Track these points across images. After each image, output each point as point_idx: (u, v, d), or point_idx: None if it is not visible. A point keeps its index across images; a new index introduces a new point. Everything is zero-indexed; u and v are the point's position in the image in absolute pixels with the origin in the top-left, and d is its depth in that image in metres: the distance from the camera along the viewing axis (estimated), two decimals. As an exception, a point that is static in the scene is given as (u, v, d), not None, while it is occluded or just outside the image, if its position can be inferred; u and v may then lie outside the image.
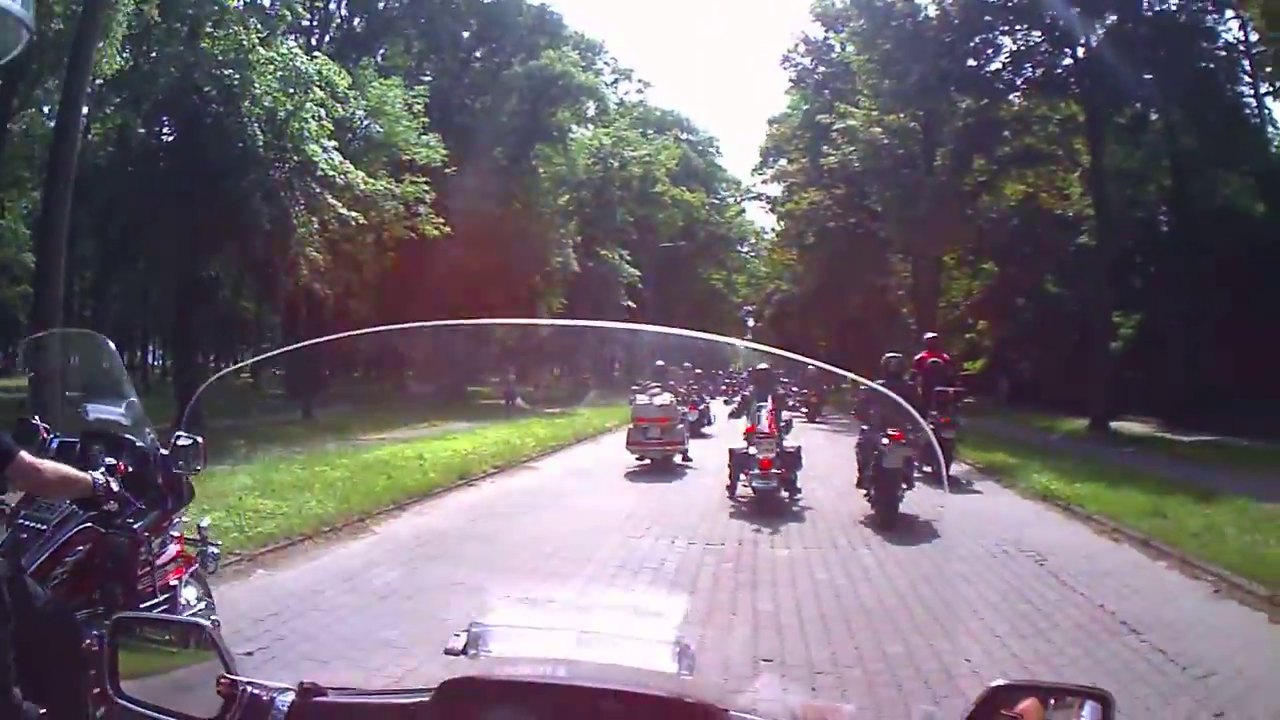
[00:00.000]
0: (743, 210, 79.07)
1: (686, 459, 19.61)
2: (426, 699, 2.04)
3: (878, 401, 13.80)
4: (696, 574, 9.99)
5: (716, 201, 78.56)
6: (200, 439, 5.08)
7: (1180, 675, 7.02)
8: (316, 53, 32.14)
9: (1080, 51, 32.68)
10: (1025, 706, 1.87)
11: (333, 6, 40.63)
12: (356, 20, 43.53)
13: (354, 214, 28.49)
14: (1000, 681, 1.93)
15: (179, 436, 5.03)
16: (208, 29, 26.39)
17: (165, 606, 4.63)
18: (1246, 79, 34.80)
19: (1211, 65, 32.68)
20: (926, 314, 42.59)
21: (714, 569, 10.26)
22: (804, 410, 25.44)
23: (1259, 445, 23.85)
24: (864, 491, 14.13)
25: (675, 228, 67.33)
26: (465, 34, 45.71)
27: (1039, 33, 33.36)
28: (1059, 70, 33.49)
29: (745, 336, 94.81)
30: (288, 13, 28.48)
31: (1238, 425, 26.54)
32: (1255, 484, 15.33)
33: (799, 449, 15.01)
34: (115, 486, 4.24)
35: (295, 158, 27.18)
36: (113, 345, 5.58)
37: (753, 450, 14.55)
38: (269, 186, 26.75)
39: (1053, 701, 1.92)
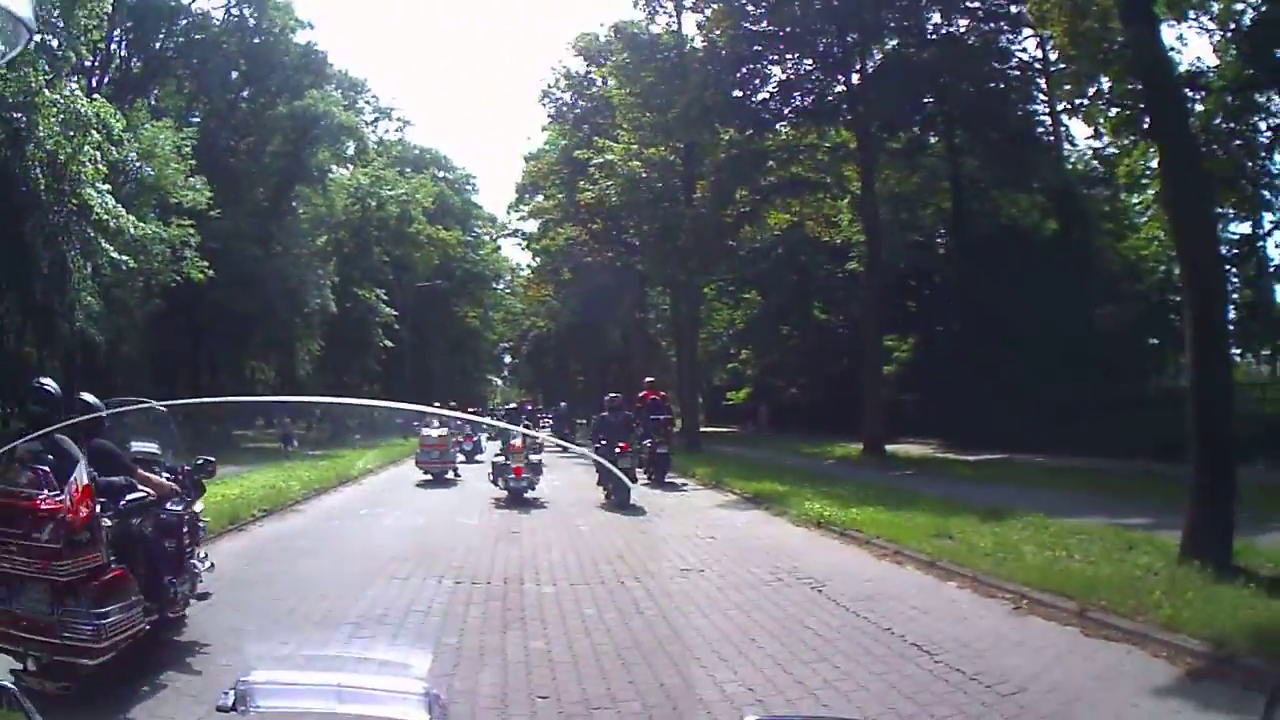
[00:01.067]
0: (498, 247, 78.82)
1: (457, 474, 26.40)
2: None
3: (619, 416, 22.66)
4: (463, 615, 9.87)
5: (473, 239, 77.94)
6: (212, 458, 9.93)
7: (985, 693, 6.83)
8: (96, 95, 30.87)
9: (855, 78, 33.10)
10: None
11: (114, 47, 38.31)
12: (134, 61, 40.94)
13: (125, 258, 27.40)
14: (754, 717, 1.98)
15: (198, 459, 9.66)
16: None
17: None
18: (1041, 97, 36.22)
19: (1002, 85, 33.72)
20: (687, 345, 43.32)
21: (481, 607, 10.23)
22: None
23: (1038, 461, 24.81)
24: (602, 488, 20.05)
25: (431, 266, 66.40)
26: (234, 74, 43.82)
27: (810, 61, 33.49)
28: (830, 98, 33.73)
29: (502, 374, 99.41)
30: (73, 54, 26.74)
31: (1015, 442, 27.61)
32: (1042, 500, 15.77)
33: (540, 461, 20.94)
34: (178, 488, 8.77)
35: (74, 202, 26.17)
36: (161, 407, 9.85)
37: (509, 460, 20.15)
38: (49, 231, 25.99)
39: None
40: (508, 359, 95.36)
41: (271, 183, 44.18)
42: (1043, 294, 31.12)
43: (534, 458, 20.44)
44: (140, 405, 9.19)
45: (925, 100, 32.61)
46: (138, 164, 31.49)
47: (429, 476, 25.35)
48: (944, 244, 40.85)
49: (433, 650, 7.94)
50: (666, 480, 24.22)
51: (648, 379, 29.41)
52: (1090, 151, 37.46)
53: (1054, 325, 30.83)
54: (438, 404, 33.14)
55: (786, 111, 34.33)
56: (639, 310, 49.70)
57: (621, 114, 38.22)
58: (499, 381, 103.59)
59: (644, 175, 37.41)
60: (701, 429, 49.83)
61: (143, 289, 32.13)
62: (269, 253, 41.57)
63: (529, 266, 59.09)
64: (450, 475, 26.00)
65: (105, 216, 26.55)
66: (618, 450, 21.02)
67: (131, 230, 27.39)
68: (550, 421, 39.56)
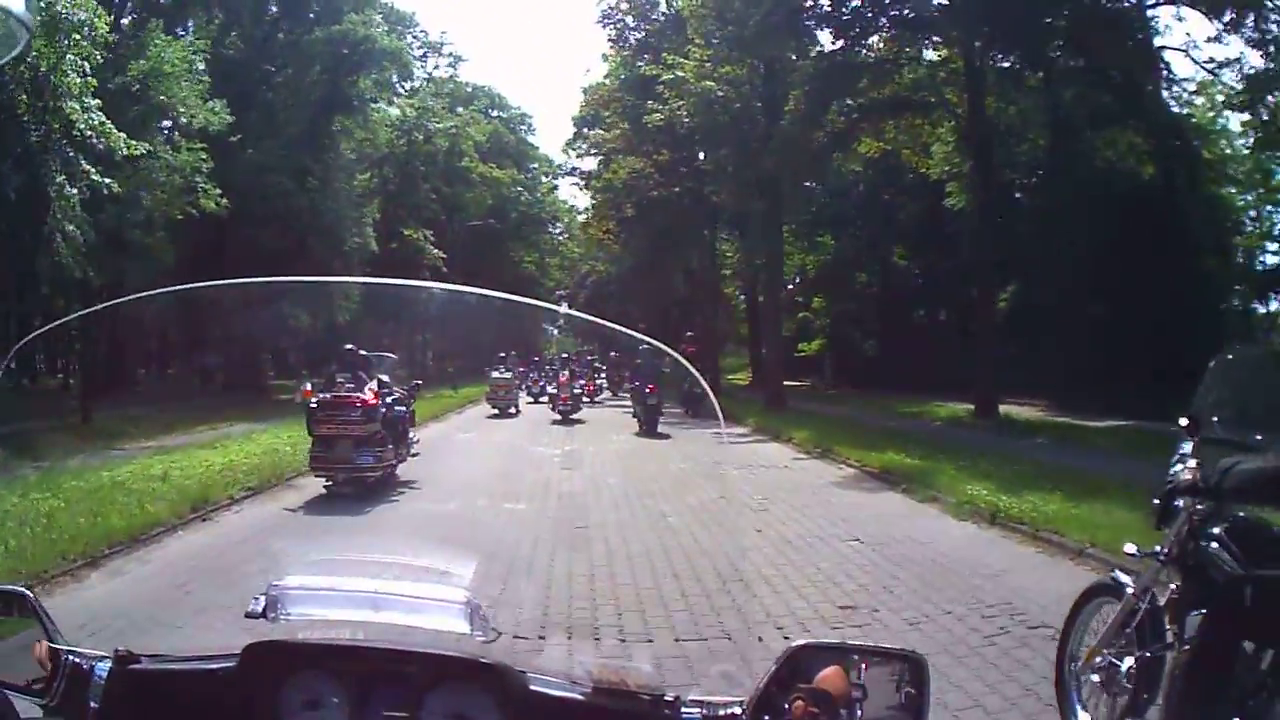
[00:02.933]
0: (555, 187, 74.45)
1: (518, 410, 30.31)
2: (233, 664, 2.08)
3: (651, 362, 24.66)
4: (497, 533, 10.86)
5: (528, 179, 74.11)
6: (420, 381, 20.65)
7: None
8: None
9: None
10: (827, 674, 1.88)
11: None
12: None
13: (108, 180, 23.57)
14: (802, 641, 1.95)
15: (414, 382, 17.75)
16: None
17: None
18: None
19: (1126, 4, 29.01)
20: (771, 289, 38.60)
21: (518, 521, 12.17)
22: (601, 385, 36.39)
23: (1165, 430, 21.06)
24: (636, 416, 25.17)
25: (484, 207, 62.85)
26: (272, 5, 40.73)
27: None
28: (932, 6, 29.14)
29: (558, 323, 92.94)
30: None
31: (1133, 408, 23.30)
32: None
33: (580, 394, 28.68)
34: (405, 396, 15.15)
35: (56, 122, 22.58)
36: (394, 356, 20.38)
37: (559, 393, 27.47)
38: (24, 150, 22.58)
39: (863, 666, 1.92)
40: (564, 307, 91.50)
41: (308, 113, 40.37)
42: (1144, 246, 27.61)
43: (575, 391, 28.19)
44: (385, 355, 16.66)
45: (1038, 12, 27.38)
46: (143, 80, 27.87)
47: (496, 411, 29.47)
48: (1041, 186, 36.00)
49: (476, 556, 5.80)
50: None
51: (688, 333, 34.77)
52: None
53: (1158, 281, 27.18)
54: (500, 354, 32.61)
55: (883, 22, 30.06)
56: (705, 252, 45.95)
57: (694, 27, 33.93)
58: (555, 331, 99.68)
59: (720, 94, 32.89)
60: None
61: (144, 223, 28.34)
62: (304, 187, 38.12)
63: (588, 206, 54.49)
64: (513, 411, 30.09)
65: (89, 133, 22.67)
66: (648, 390, 24.82)
67: (123, 149, 23.44)
68: (609, 375, 39.58)
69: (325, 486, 13.30)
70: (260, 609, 2.21)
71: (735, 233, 43.16)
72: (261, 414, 23.05)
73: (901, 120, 31.46)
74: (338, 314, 40.55)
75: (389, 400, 13.93)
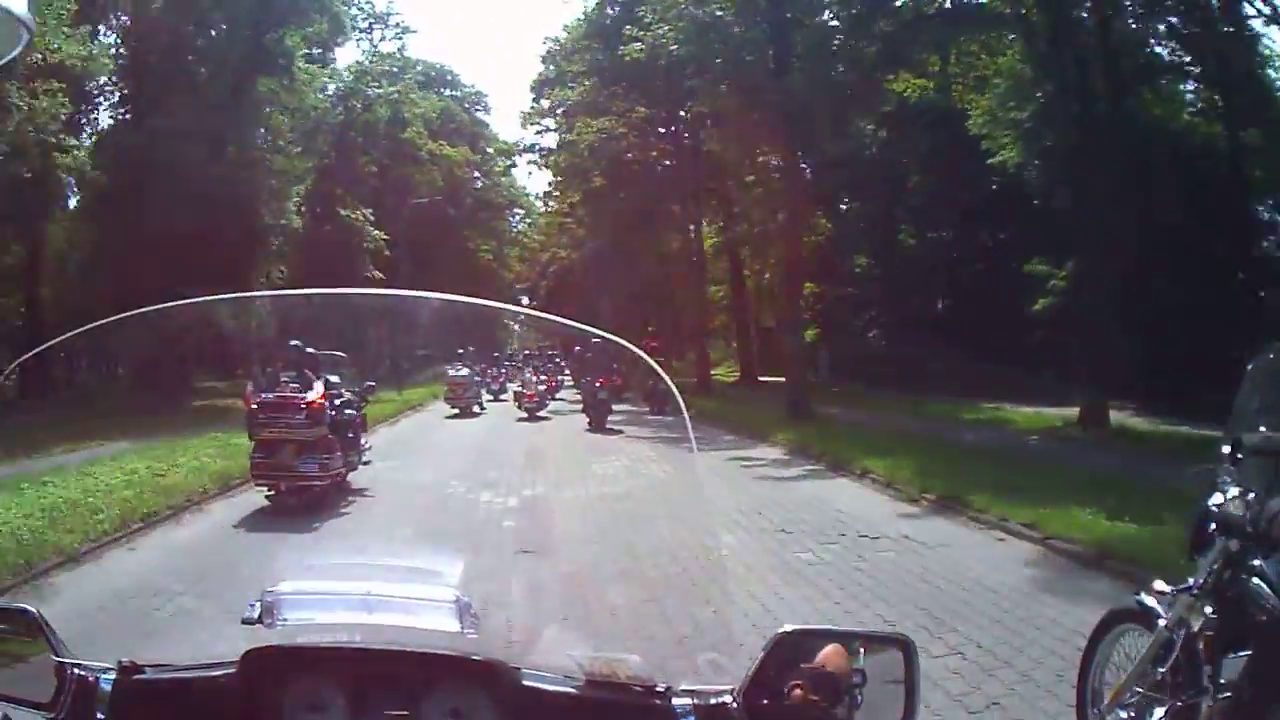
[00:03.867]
0: (513, 165, 68.16)
1: (482, 408, 27.42)
2: (234, 670, 2.13)
3: (599, 357, 23.81)
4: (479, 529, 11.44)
5: (483, 161, 68.31)
6: (373, 383, 17.11)
7: None
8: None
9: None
10: (828, 653, 1.89)
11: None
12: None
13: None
14: (790, 627, 1.98)
15: (367, 382, 15.15)
16: None
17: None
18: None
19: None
20: (792, 257, 31.32)
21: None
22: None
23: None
24: (586, 413, 23.88)
25: (435, 188, 56.99)
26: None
27: None
28: None
29: (519, 318, 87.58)
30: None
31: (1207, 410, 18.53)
32: None
33: (545, 391, 27.03)
34: (355, 399, 13.29)
35: None
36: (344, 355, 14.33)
37: (524, 390, 26.57)
38: None
39: (861, 649, 1.94)
40: (525, 300, 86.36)
41: (225, 75, 34.66)
42: (1208, 220, 24.00)
43: (540, 389, 26.23)
44: (335, 354, 13.84)
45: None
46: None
47: (456, 411, 27.05)
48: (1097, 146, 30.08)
49: (463, 556, 4.23)
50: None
51: (649, 328, 33.60)
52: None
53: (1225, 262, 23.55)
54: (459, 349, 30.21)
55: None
56: (684, 229, 39.99)
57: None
58: (516, 326, 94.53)
59: (719, 15, 25.92)
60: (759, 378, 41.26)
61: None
62: (216, 156, 32.37)
63: (547, 189, 47.41)
64: (475, 410, 27.64)
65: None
66: (597, 385, 23.71)
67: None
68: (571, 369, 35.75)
69: (267, 497, 12.31)
70: (256, 615, 2.25)
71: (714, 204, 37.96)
72: (145, 429, 20.15)
73: (962, 37, 25.26)
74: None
75: (338, 402, 13.04)
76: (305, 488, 12.19)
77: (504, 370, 33.74)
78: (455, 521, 11.44)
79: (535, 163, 51.49)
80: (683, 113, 36.35)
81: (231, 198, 31.92)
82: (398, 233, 48.58)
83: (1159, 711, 4.32)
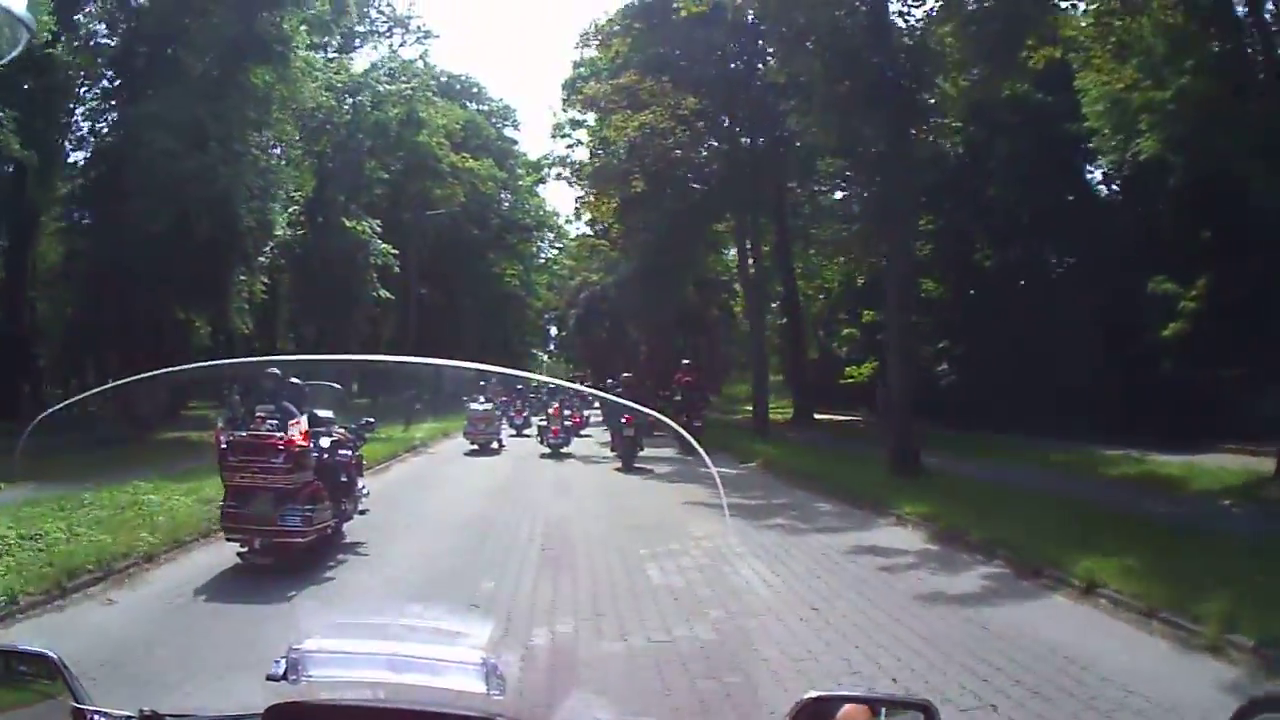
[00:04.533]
0: (542, 180, 63.05)
1: (501, 445, 27.45)
2: None
3: (632, 389, 26.06)
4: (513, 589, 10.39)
5: (510, 176, 63.46)
6: (373, 420, 15.22)
7: None
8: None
9: None
10: (849, 711, 1.95)
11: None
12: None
13: None
14: (814, 693, 2.04)
15: (363, 419, 14.26)
16: None
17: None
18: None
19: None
20: (902, 263, 23.11)
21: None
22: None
23: None
24: (615, 451, 23.77)
25: (456, 204, 52.23)
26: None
27: None
28: None
29: (547, 349, 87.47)
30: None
31: None
32: None
33: (571, 426, 27.17)
34: (350, 438, 12.98)
35: None
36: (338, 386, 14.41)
37: (549, 424, 25.83)
38: None
39: (884, 711, 2.01)
40: (554, 330, 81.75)
41: (212, 61, 30.25)
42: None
43: (566, 423, 26.20)
44: (325, 384, 13.25)
45: None
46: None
47: (475, 446, 26.69)
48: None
49: (492, 617, 7.75)
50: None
51: (684, 361, 30.24)
52: None
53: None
54: (480, 381, 29.02)
55: None
56: (744, 238, 34.93)
57: None
58: (545, 357, 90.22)
59: None
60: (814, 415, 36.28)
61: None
62: (199, 148, 27.80)
63: (580, 194, 41.73)
64: (495, 445, 27.08)
65: None
66: (624, 420, 22.60)
67: None
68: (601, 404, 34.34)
69: (239, 554, 10.71)
70: (281, 672, 2.32)
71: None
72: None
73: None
74: (234, 320, 30.60)
75: (328, 442, 11.96)
76: (285, 544, 10.70)
77: (527, 403, 32.96)
78: (458, 589, 10.28)
79: (566, 178, 46.28)
80: (739, 105, 31.72)
81: (207, 194, 27.29)
82: (411, 249, 43.94)
83: None
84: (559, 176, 45.49)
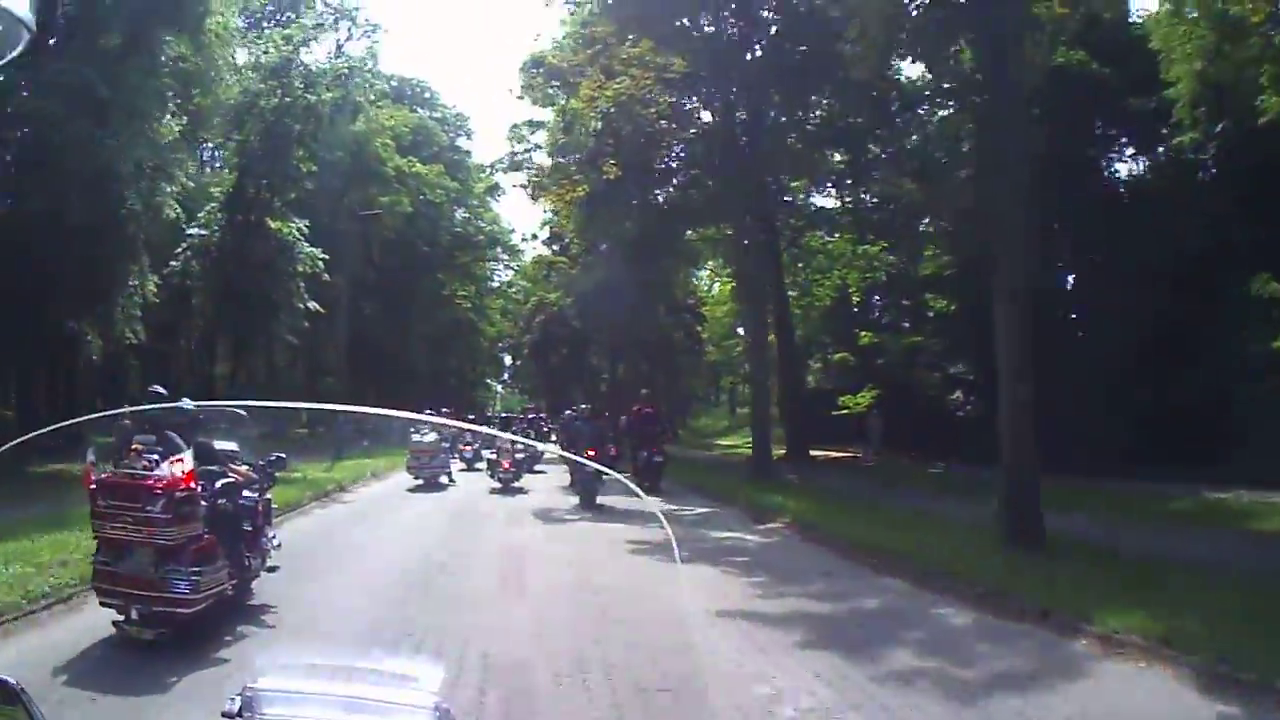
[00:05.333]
0: (496, 187, 57.75)
1: (451, 479, 25.56)
2: None
3: (589, 423, 25.04)
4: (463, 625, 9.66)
5: (460, 187, 58.17)
6: (284, 455, 11.59)
7: None
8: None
9: None
10: None
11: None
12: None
13: None
14: None
15: (271, 455, 11.17)
16: None
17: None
18: None
19: None
20: (1013, 257, 16.61)
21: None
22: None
23: None
24: (575, 489, 22.14)
25: (401, 216, 47.25)
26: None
27: None
28: None
29: (502, 379, 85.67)
30: None
31: None
32: None
33: (525, 458, 25.30)
34: (256, 477, 10.32)
35: None
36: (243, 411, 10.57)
37: (499, 458, 24.30)
38: None
39: None
40: (509, 359, 78.31)
41: (118, 23, 25.50)
42: None
43: (519, 456, 24.40)
44: (224, 408, 11.82)
45: None
46: None
47: (420, 481, 24.88)
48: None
49: (444, 662, 6.22)
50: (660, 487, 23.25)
51: (643, 391, 30.31)
52: None
53: None
54: (429, 411, 27.94)
55: None
56: (742, 240, 29.35)
57: None
58: (499, 388, 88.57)
59: None
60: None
61: None
62: (100, 122, 23.03)
63: (534, 180, 35.55)
64: (444, 480, 25.36)
65: None
66: (588, 454, 21.03)
67: None
68: (559, 436, 31.38)
69: (114, 623, 8.48)
70: (236, 709, 2.35)
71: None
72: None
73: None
74: (120, 326, 25.72)
75: (222, 484, 9.55)
76: (169, 614, 8.38)
77: (478, 436, 30.94)
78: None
79: (522, 185, 41.02)
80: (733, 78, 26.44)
81: (86, 168, 22.26)
82: (351, 257, 38.98)
83: None
84: (515, 186, 40.32)
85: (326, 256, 34.17)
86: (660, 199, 29.40)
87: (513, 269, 67.14)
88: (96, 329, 26.58)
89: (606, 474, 17.90)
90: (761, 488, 22.39)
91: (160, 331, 32.65)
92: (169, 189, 26.14)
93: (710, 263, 44.04)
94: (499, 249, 64.86)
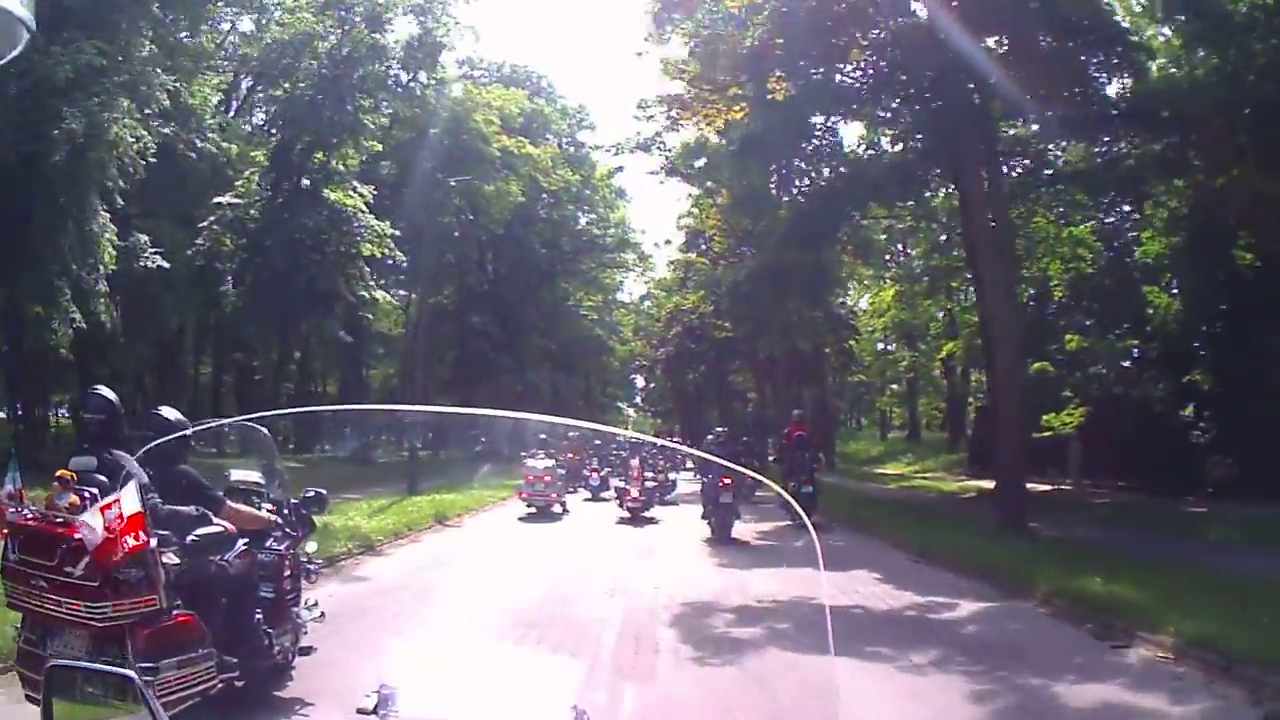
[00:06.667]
0: (619, 169, 50.88)
1: (565, 509, 23.41)
2: None
3: (727, 446, 21.17)
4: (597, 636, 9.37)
5: (582, 184, 51.32)
6: (324, 491, 8.45)
7: None
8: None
9: None
10: None
11: None
12: None
13: None
14: None
15: (307, 491, 8.23)
16: None
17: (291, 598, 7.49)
18: None
19: None
20: None
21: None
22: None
23: None
24: (706, 520, 19.08)
25: (510, 206, 40.43)
26: None
27: None
28: None
29: (633, 401, 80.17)
30: None
31: None
32: None
33: (656, 488, 23.14)
34: (280, 522, 7.44)
35: None
36: (265, 430, 8.43)
37: (628, 486, 22.21)
38: None
39: None
40: (640, 381, 72.27)
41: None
42: None
43: (649, 485, 22.32)
44: (230, 421, 10.96)
45: None
46: None
47: (533, 509, 22.84)
48: None
49: (584, 662, 7.28)
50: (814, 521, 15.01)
51: (795, 412, 25.55)
52: None
53: None
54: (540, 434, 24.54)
55: None
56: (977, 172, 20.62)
57: None
58: (630, 412, 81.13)
59: None
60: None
61: None
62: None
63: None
64: (556, 510, 23.17)
65: None
66: (721, 485, 18.23)
67: None
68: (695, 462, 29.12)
69: None
70: (372, 706, 2.38)
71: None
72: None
73: None
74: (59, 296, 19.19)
75: (201, 534, 6.55)
76: None
77: (606, 462, 28.76)
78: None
79: (653, 172, 34.33)
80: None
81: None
82: (482, 280, 32.43)
83: None
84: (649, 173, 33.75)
85: (396, 233, 27.22)
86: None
87: (644, 281, 60.74)
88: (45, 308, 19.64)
89: (759, 481, 16.51)
90: (1031, 554, 13.56)
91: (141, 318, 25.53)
92: (125, 103, 19.04)
93: (866, 271, 39.01)
94: (628, 254, 57.47)
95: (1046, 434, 27.77)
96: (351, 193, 26.83)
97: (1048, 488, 26.03)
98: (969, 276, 28.91)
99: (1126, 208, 27.90)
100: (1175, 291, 26.99)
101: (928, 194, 26.03)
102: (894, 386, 58.55)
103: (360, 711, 2.40)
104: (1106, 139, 22.60)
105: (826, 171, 25.00)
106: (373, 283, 27.86)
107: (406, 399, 38.52)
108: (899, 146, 22.93)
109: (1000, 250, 19.64)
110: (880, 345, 52.90)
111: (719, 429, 26.72)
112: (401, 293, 39.74)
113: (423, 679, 2.50)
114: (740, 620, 10.62)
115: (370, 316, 29.75)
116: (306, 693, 7.22)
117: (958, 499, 26.88)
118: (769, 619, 10.64)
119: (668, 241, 47.92)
